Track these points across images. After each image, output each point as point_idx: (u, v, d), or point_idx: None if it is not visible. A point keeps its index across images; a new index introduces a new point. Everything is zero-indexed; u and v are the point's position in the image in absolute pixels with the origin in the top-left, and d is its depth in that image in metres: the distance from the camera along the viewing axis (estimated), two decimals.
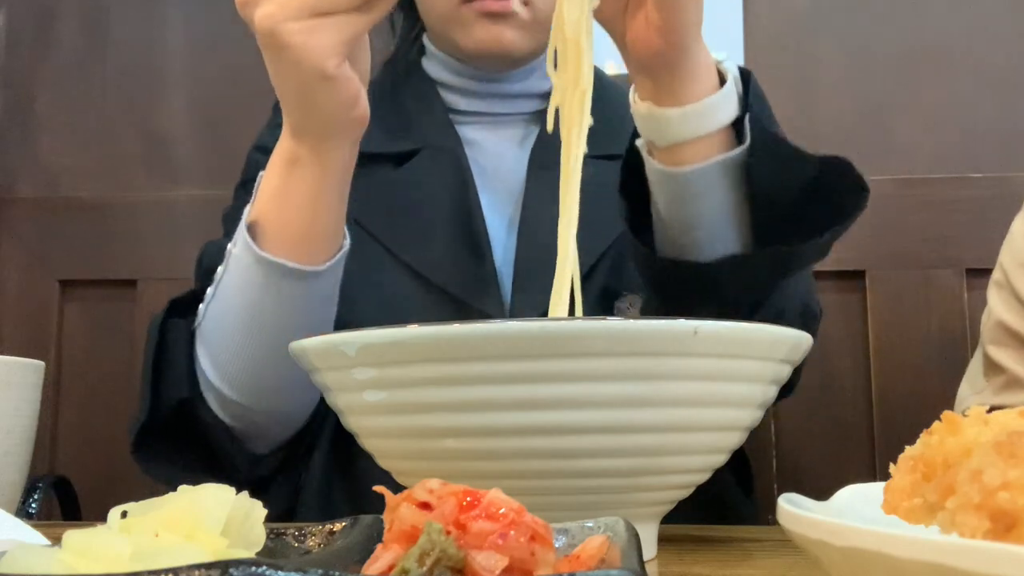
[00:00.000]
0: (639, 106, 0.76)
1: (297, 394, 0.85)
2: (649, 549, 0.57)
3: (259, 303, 0.79)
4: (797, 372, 0.67)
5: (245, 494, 0.38)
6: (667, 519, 0.61)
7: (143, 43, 1.60)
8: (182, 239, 1.40)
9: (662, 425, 0.53)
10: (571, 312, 0.66)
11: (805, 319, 0.85)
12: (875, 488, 0.38)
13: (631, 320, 0.51)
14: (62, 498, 1.03)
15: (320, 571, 0.29)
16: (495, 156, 1.01)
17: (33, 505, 0.89)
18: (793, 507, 0.34)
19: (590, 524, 0.39)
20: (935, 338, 1.38)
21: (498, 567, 0.31)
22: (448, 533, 0.31)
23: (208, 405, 0.83)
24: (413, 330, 0.51)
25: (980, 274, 1.32)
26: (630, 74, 0.77)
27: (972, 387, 1.00)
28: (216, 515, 0.36)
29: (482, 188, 0.98)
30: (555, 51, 0.68)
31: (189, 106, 1.59)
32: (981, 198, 1.40)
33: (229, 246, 0.81)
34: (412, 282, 0.93)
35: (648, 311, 0.89)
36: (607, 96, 0.87)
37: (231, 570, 0.28)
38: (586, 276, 0.88)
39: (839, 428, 1.40)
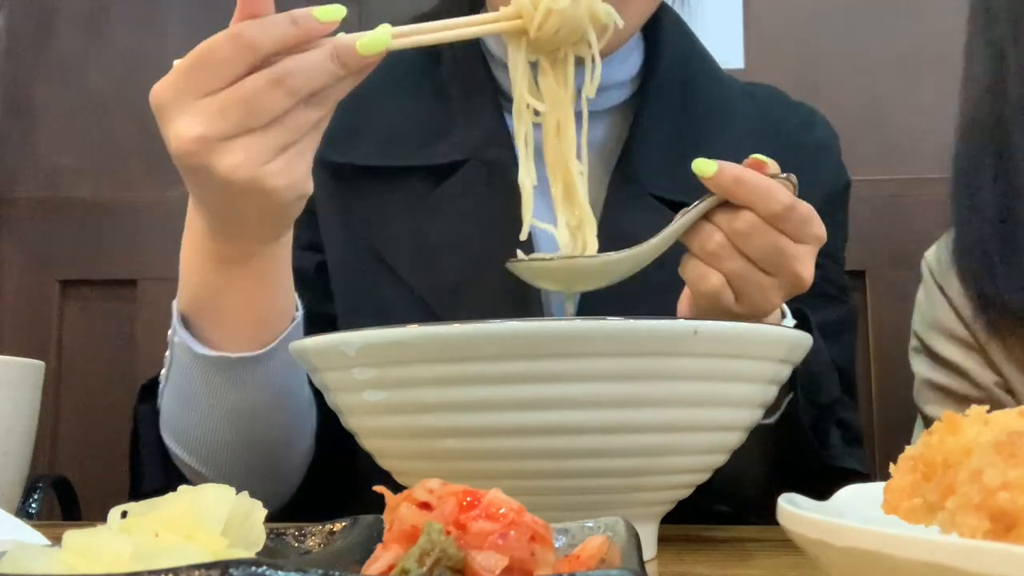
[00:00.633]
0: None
1: (283, 461, 0.79)
2: (649, 549, 0.57)
3: (211, 392, 0.72)
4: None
5: (245, 494, 0.38)
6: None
7: (143, 43, 1.59)
8: (182, 239, 1.39)
9: (662, 425, 0.53)
10: None
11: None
12: (875, 488, 0.38)
13: (631, 320, 0.51)
14: (62, 498, 1.03)
15: (320, 571, 0.29)
16: None
17: (33, 505, 0.88)
18: (793, 507, 0.34)
19: (590, 524, 0.39)
20: None
21: (498, 567, 0.31)
22: (448, 533, 0.31)
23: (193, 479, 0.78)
24: (413, 330, 0.51)
25: None
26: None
27: None
28: (216, 515, 0.36)
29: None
30: None
31: None
32: None
33: (170, 333, 0.74)
34: None
35: None
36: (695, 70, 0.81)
37: (231, 570, 0.28)
38: None
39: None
